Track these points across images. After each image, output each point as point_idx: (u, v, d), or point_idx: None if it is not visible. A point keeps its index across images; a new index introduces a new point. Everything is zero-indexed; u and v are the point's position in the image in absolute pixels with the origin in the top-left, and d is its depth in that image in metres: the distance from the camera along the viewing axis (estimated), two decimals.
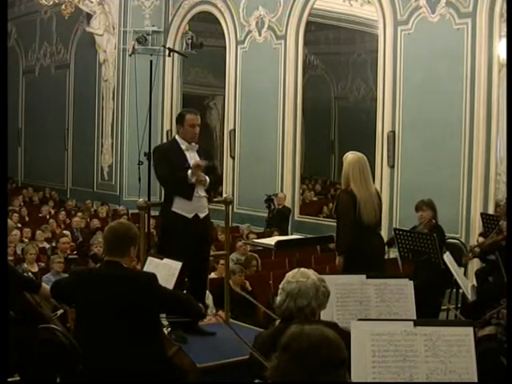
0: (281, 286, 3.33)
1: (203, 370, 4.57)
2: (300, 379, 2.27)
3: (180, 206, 5.30)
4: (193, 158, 5.36)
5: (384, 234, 9.00)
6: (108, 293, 3.70)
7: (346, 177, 5.81)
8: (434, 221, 6.98)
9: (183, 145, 5.39)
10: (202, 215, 5.39)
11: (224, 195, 6.00)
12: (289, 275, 3.35)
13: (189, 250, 5.17)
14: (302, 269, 3.39)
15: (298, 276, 3.30)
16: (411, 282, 4.01)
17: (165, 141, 13.99)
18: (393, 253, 9.11)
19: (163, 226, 5.49)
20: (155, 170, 5.48)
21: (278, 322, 3.36)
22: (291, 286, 3.27)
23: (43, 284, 4.50)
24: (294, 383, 2.29)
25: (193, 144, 5.39)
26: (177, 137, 5.49)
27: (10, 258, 7.41)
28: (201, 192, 5.36)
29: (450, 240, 7.92)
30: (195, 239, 5.32)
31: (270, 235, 9.43)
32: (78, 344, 3.89)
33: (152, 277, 3.80)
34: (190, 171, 5.19)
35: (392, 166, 10.39)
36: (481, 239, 7.68)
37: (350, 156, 5.88)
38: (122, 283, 3.73)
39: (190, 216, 5.32)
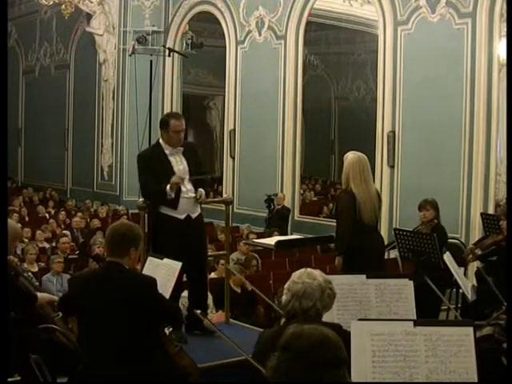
0: (286, 286, 3.30)
1: (203, 370, 4.57)
2: (300, 379, 2.27)
3: (168, 208, 5.22)
4: (178, 161, 5.28)
5: (384, 233, 9.01)
6: (106, 295, 3.69)
7: (346, 177, 5.78)
8: (435, 221, 6.99)
9: (167, 150, 5.28)
10: (193, 215, 5.31)
11: (224, 195, 5.98)
12: (295, 275, 3.31)
13: (183, 251, 5.07)
14: (309, 269, 3.34)
15: (305, 277, 3.26)
16: (411, 282, 4.01)
17: None
18: (393, 253, 9.11)
19: (153, 228, 5.34)
20: (139, 179, 5.38)
21: (282, 321, 3.34)
22: (297, 287, 3.24)
23: (38, 294, 4.39)
24: (294, 383, 2.29)
25: (178, 148, 5.30)
26: (160, 141, 5.34)
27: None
28: (191, 193, 5.27)
29: (449, 240, 7.92)
30: (190, 240, 5.25)
31: (270, 235, 9.43)
32: (80, 346, 3.88)
33: (152, 282, 3.77)
34: (168, 186, 5.08)
35: (392, 166, 10.39)
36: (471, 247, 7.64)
37: (351, 156, 5.84)
38: (120, 286, 3.71)
39: (182, 217, 5.24)
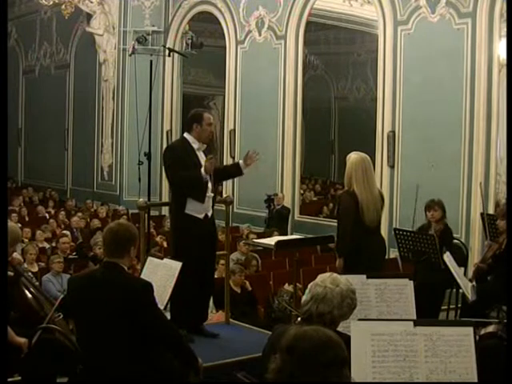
0: (309, 286, 3.29)
1: (204, 370, 4.57)
2: (304, 380, 2.27)
3: (193, 208, 5.27)
4: (203, 157, 5.35)
5: (384, 233, 9.01)
6: (102, 297, 3.68)
7: (349, 177, 5.72)
8: (444, 220, 7.01)
9: (195, 144, 5.36)
10: (209, 214, 5.40)
11: (224, 195, 5.99)
12: (320, 277, 3.30)
13: (203, 250, 5.23)
14: (335, 274, 3.33)
15: (328, 281, 3.25)
16: (411, 282, 4.01)
17: (165, 141, 14.02)
18: (393, 253, 9.11)
19: (177, 229, 5.39)
20: (168, 171, 5.39)
21: (298, 320, 3.33)
22: (317, 290, 3.23)
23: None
24: None
25: (203, 144, 5.39)
26: (187, 135, 5.40)
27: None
28: (210, 192, 5.35)
29: None
30: (207, 239, 5.34)
31: (270, 235, 9.42)
32: (80, 346, 3.88)
33: (147, 286, 3.73)
34: (203, 169, 5.18)
35: (392, 166, 10.38)
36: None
37: (354, 156, 5.77)
38: (116, 288, 3.70)
39: (202, 216, 5.32)
